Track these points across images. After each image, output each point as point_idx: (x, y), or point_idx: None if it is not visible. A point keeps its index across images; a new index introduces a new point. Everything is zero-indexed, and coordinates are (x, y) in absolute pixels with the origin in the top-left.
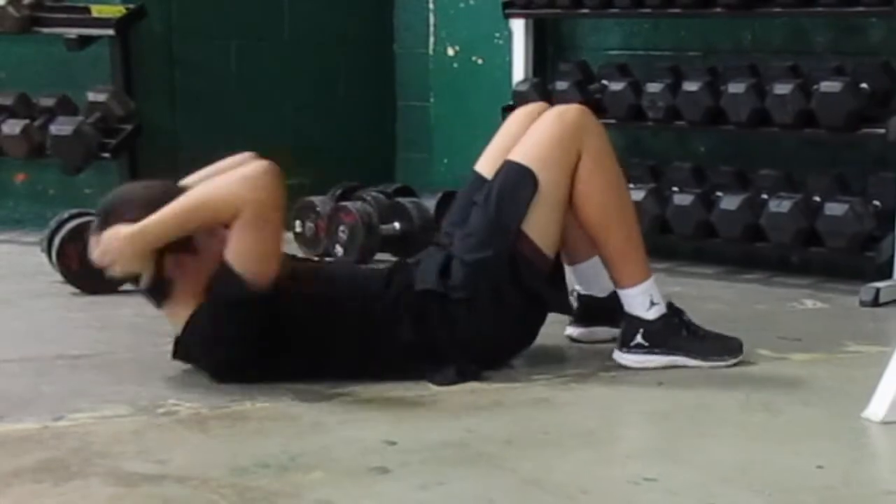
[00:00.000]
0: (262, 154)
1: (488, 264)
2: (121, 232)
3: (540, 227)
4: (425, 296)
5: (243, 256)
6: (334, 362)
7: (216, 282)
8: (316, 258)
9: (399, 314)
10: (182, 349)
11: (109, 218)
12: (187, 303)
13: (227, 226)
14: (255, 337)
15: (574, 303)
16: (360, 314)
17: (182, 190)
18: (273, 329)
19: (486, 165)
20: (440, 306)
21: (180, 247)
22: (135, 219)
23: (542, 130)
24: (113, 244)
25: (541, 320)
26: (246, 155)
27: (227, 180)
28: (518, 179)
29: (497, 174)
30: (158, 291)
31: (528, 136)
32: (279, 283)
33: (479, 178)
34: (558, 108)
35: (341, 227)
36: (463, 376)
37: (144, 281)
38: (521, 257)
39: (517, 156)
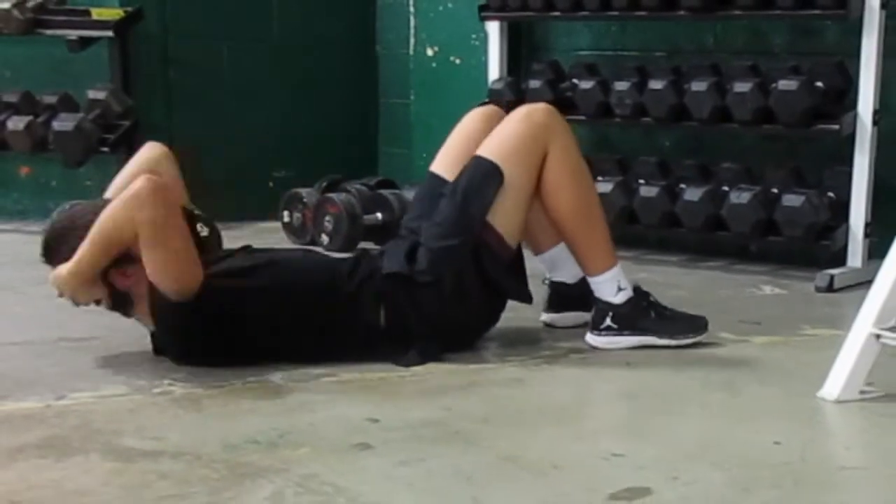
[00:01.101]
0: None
1: (454, 251)
2: (61, 273)
3: (504, 218)
4: (393, 279)
5: (160, 274)
6: (300, 349)
7: (153, 303)
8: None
9: (363, 300)
10: (159, 346)
11: (51, 255)
12: (148, 306)
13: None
14: (208, 338)
15: (546, 290)
16: (322, 302)
17: (99, 208)
18: (228, 325)
19: (442, 166)
20: (407, 289)
21: (118, 261)
22: (72, 250)
23: (510, 128)
24: (60, 285)
25: (501, 306)
26: (150, 145)
27: (117, 205)
28: (485, 174)
29: (465, 168)
30: (121, 305)
31: (497, 133)
32: (215, 284)
33: (437, 178)
34: (526, 108)
35: (327, 218)
36: (424, 357)
37: (105, 301)
38: (484, 246)
39: (485, 151)
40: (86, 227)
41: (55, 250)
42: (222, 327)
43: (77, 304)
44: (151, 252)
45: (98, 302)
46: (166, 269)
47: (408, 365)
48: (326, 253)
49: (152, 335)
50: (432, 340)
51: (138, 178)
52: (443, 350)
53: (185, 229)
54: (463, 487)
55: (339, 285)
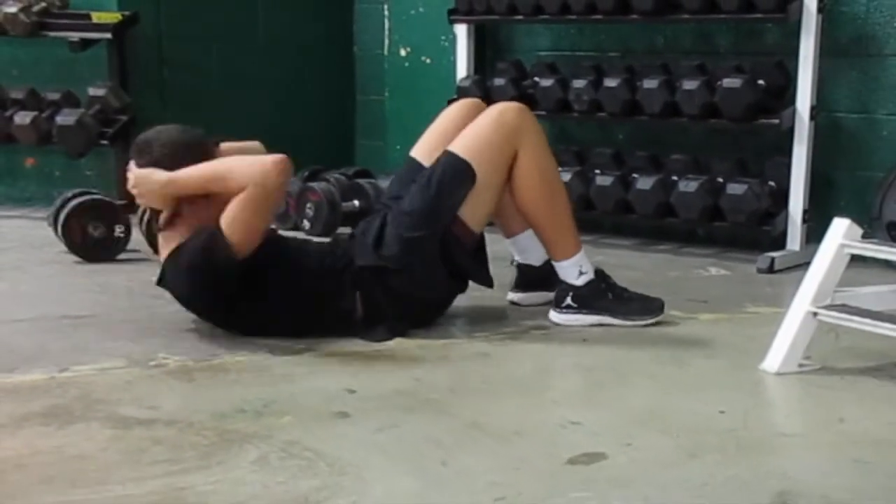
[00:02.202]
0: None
1: (423, 241)
2: (154, 176)
3: (472, 211)
4: (364, 272)
5: (233, 225)
6: (285, 324)
7: (204, 233)
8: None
9: (342, 288)
10: (163, 277)
11: (143, 152)
12: (181, 233)
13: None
14: (219, 290)
15: (514, 271)
16: (310, 287)
17: (209, 144)
18: (234, 288)
19: (421, 152)
20: (379, 277)
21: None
22: (162, 159)
23: (482, 127)
24: (147, 185)
25: (464, 287)
26: (255, 143)
27: (247, 161)
28: (458, 173)
29: (438, 161)
30: (170, 223)
31: (470, 130)
32: (253, 253)
33: (415, 163)
34: (499, 107)
35: (308, 205)
36: (392, 333)
37: (163, 217)
38: (451, 236)
39: (458, 148)
40: (179, 150)
41: (148, 152)
42: (242, 288)
43: (140, 204)
44: (240, 208)
45: (154, 211)
46: (244, 224)
47: (377, 340)
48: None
49: (163, 269)
50: (400, 319)
51: (278, 154)
52: (410, 327)
53: (275, 210)
54: (433, 452)
55: (326, 275)
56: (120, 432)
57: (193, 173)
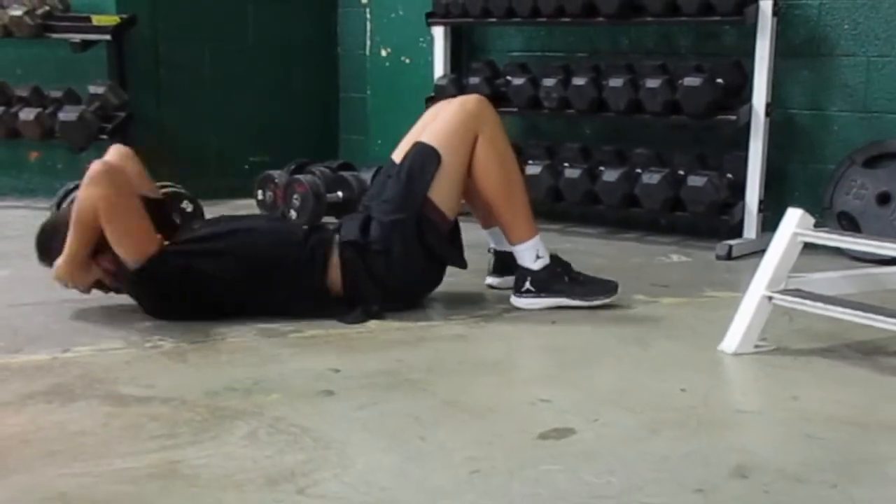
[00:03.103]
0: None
1: (400, 224)
2: (59, 263)
3: (443, 194)
4: (349, 246)
5: (119, 244)
6: (260, 305)
7: (120, 271)
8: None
9: (314, 265)
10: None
11: (42, 257)
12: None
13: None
14: (167, 296)
15: (491, 257)
16: (274, 265)
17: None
18: (183, 285)
19: (398, 154)
20: (361, 256)
21: (98, 248)
22: (53, 251)
23: (447, 117)
24: (63, 275)
25: (441, 271)
26: (115, 147)
27: (79, 196)
28: (426, 157)
29: (409, 153)
30: (116, 283)
31: (436, 122)
32: (172, 250)
33: (392, 162)
34: (461, 98)
35: (295, 196)
36: (368, 315)
37: (106, 281)
38: (426, 219)
39: (426, 137)
40: (63, 227)
41: (48, 248)
42: (179, 286)
43: (81, 290)
44: (108, 225)
45: (100, 284)
46: (121, 239)
47: (353, 322)
48: (290, 220)
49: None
50: (379, 300)
51: (93, 167)
52: (386, 309)
53: (136, 207)
54: (412, 427)
55: (292, 251)
56: (118, 409)
57: (71, 237)
